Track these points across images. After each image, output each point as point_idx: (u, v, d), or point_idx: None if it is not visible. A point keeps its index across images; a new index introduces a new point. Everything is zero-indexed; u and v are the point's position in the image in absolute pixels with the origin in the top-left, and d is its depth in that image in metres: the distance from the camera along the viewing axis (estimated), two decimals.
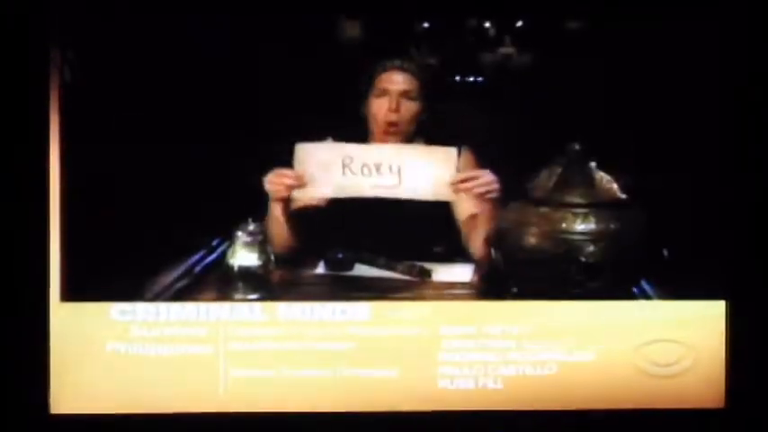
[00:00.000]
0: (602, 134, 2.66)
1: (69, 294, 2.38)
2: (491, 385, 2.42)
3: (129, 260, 2.53)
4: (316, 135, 2.69)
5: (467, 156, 2.79)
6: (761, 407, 2.45)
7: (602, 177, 2.41)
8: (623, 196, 2.41)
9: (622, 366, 2.40)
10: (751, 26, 2.47)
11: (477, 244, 2.70)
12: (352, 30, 2.92)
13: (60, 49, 2.39)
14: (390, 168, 2.58)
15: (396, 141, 2.79)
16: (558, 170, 2.41)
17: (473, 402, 2.42)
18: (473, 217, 2.70)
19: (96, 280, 2.42)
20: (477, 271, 2.70)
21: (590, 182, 2.39)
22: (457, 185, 2.57)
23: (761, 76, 2.48)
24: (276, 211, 2.68)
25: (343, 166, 2.58)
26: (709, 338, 2.42)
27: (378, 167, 2.58)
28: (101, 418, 2.38)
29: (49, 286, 2.37)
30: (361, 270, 2.68)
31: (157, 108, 2.64)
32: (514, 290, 2.46)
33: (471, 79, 2.98)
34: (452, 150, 2.59)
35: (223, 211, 2.67)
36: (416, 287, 2.62)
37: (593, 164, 2.42)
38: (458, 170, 2.61)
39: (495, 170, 2.63)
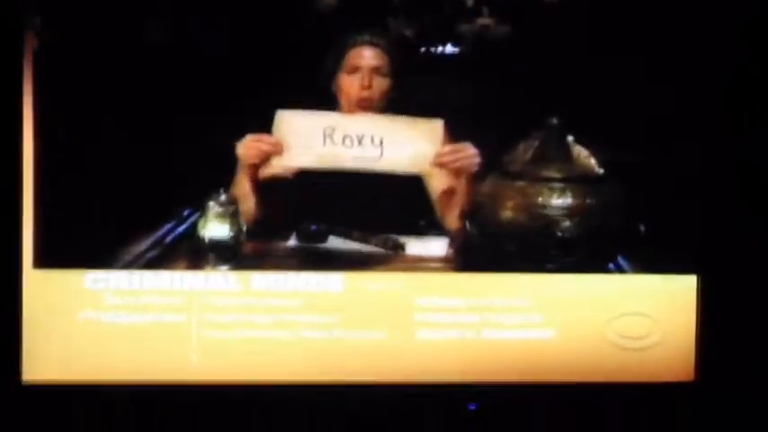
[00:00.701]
0: (580, 108, 2.68)
1: (42, 261, 2.41)
2: (465, 357, 2.46)
3: (102, 228, 2.53)
4: (287, 105, 2.65)
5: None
6: (730, 380, 2.51)
7: (580, 152, 2.44)
8: (600, 171, 2.44)
9: (593, 339, 2.46)
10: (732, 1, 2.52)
11: (452, 218, 2.70)
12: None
13: (34, 17, 2.40)
14: (372, 140, 2.59)
15: None
16: (535, 144, 2.44)
17: (446, 374, 2.47)
18: (448, 191, 2.69)
19: (69, 247, 2.44)
20: (451, 245, 2.70)
21: (567, 156, 2.42)
22: (440, 159, 2.58)
23: (739, 51, 2.53)
24: (244, 178, 2.66)
25: (325, 135, 2.59)
26: (679, 312, 2.48)
27: (360, 139, 2.59)
28: (73, 386, 2.42)
29: (21, 253, 2.40)
30: (335, 243, 2.67)
31: (129, 78, 2.63)
32: (489, 264, 2.49)
33: (447, 50, 2.95)
34: (438, 122, 2.59)
35: (194, 181, 2.64)
36: (390, 260, 2.63)
37: (570, 138, 2.45)
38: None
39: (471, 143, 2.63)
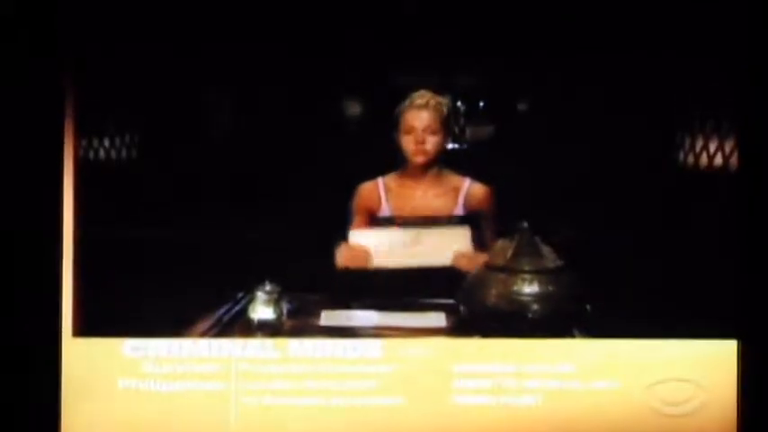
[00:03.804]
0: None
1: (82, 330, 2.56)
2: (503, 423, 2.61)
3: (138, 300, 2.73)
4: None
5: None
6: None
7: (545, 249, 2.91)
8: (560, 263, 2.89)
9: (634, 405, 2.61)
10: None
11: None
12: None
13: (78, 88, 2.60)
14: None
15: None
16: (513, 243, 2.93)
17: None
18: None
19: (109, 317, 2.60)
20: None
21: (537, 253, 2.90)
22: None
23: None
24: None
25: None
26: (721, 378, 2.62)
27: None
28: None
29: (61, 321, 2.55)
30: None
31: (183, 161, 2.85)
32: (477, 337, 2.77)
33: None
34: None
35: (246, 270, 3.06)
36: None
37: (537, 238, 2.92)
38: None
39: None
